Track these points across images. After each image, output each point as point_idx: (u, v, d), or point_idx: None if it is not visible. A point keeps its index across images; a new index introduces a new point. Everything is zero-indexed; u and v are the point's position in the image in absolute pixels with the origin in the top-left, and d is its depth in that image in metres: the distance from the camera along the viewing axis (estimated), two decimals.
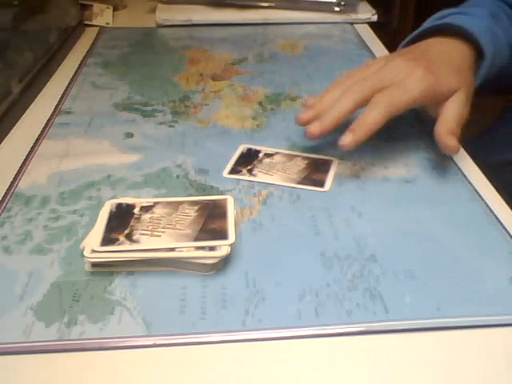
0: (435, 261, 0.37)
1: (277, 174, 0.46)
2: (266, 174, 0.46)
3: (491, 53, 0.49)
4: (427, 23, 0.54)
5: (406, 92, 0.44)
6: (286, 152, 0.50)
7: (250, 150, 0.50)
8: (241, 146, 0.51)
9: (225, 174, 0.47)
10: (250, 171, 0.47)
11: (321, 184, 0.45)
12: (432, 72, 0.45)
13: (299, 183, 0.45)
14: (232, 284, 0.35)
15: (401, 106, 0.44)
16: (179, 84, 0.65)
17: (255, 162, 0.48)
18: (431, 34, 0.51)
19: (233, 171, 0.47)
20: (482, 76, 0.50)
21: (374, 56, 0.73)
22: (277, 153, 0.50)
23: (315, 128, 0.44)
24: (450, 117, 0.45)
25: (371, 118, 0.43)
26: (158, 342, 0.31)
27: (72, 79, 0.67)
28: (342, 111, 0.44)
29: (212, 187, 0.45)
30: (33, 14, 0.69)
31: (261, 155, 0.49)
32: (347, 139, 0.43)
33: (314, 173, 0.47)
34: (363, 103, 0.44)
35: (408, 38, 0.54)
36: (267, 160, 0.49)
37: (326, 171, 0.47)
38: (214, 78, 0.67)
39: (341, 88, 0.47)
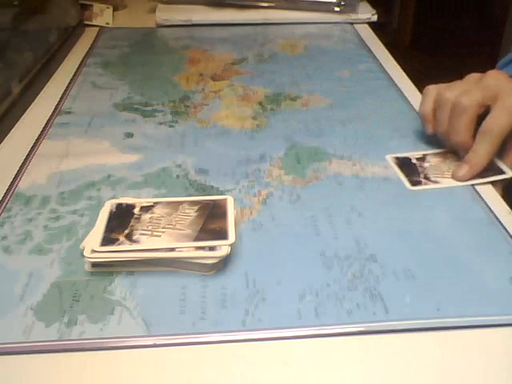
0: (435, 261, 0.37)
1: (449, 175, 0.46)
2: (441, 177, 0.46)
3: None
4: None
5: (499, 119, 0.44)
6: (435, 152, 0.49)
7: (399, 158, 0.49)
8: (388, 157, 0.49)
9: (410, 187, 0.45)
10: (426, 177, 0.46)
11: (500, 171, 0.46)
12: None
13: (482, 177, 0.45)
14: (232, 284, 0.35)
15: (508, 129, 0.44)
16: (179, 84, 0.65)
17: (418, 168, 0.47)
18: None
19: (415, 183, 0.45)
20: None
21: (373, 56, 0.73)
22: (425, 155, 0.49)
23: (466, 174, 0.46)
24: None
25: (484, 151, 0.44)
26: (158, 342, 0.31)
27: (72, 79, 0.67)
28: (465, 129, 0.45)
29: (212, 187, 0.45)
30: (33, 14, 0.69)
31: (414, 161, 0.48)
32: (463, 171, 0.45)
33: None
34: (479, 111, 0.45)
35: None
36: (426, 164, 0.48)
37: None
38: (213, 78, 0.67)
39: (448, 103, 0.46)
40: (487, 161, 0.45)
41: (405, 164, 0.48)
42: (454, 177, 0.46)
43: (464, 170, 0.45)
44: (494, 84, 0.46)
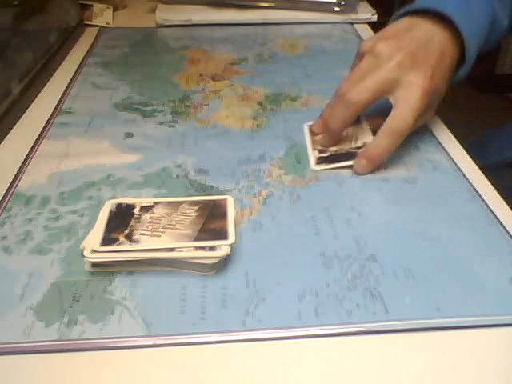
0: (435, 261, 0.37)
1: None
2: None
3: (474, 52, 0.49)
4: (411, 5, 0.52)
5: (405, 119, 0.45)
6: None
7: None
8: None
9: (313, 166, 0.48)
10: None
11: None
12: (432, 80, 0.45)
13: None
14: (232, 284, 0.35)
15: (406, 131, 0.45)
16: (179, 84, 0.65)
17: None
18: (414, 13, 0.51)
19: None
20: (463, 73, 0.50)
21: None
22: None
23: (324, 141, 0.50)
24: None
25: (381, 149, 0.46)
26: (158, 342, 0.31)
27: (72, 79, 0.67)
28: (344, 122, 0.47)
29: (212, 187, 0.45)
30: (33, 13, 0.69)
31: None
32: (360, 166, 0.46)
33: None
34: (363, 108, 0.46)
35: (395, 16, 0.53)
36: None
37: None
38: (213, 78, 0.67)
39: (341, 96, 0.47)
40: (386, 156, 0.46)
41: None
42: (354, 171, 0.47)
43: (362, 164, 0.46)
44: (386, 83, 0.45)
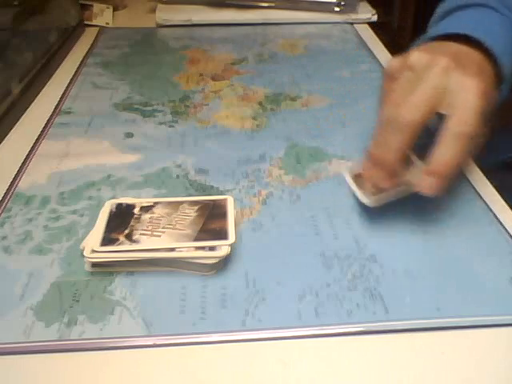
0: (435, 261, 0.37)
1: None
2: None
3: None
4: (441, 26, 0.46)
5: (467, 123, 0.36)
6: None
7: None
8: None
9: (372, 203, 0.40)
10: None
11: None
12: (485, 82, 0.38)
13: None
14: (232, 284, 0.35)
15: (472, 135, 0.36)
16: (179, 84, 0.65)
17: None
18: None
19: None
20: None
21: (374, 56, 0.73)
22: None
23: (379, 178, 0.38)
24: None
25: (449, 158, 0.36)
26: (158, 342, 0.31)
27: (72, 79, 0.67)
28: (400, 149, 0.37)
29: (212, 187, 0.45)
30: (33, 14, 0.69)
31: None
32: (428, 185, 0.36)
33: None
34: (419, 129, 0.37)
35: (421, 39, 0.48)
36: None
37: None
38: (214, 78, 0.67)
39: (388, 121, 0.38)
40: (458, 167, 0.37)
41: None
42: (423, 192, 0.37)
43: (432, 182, 0.36)
44: (438, 94, 0.37)
